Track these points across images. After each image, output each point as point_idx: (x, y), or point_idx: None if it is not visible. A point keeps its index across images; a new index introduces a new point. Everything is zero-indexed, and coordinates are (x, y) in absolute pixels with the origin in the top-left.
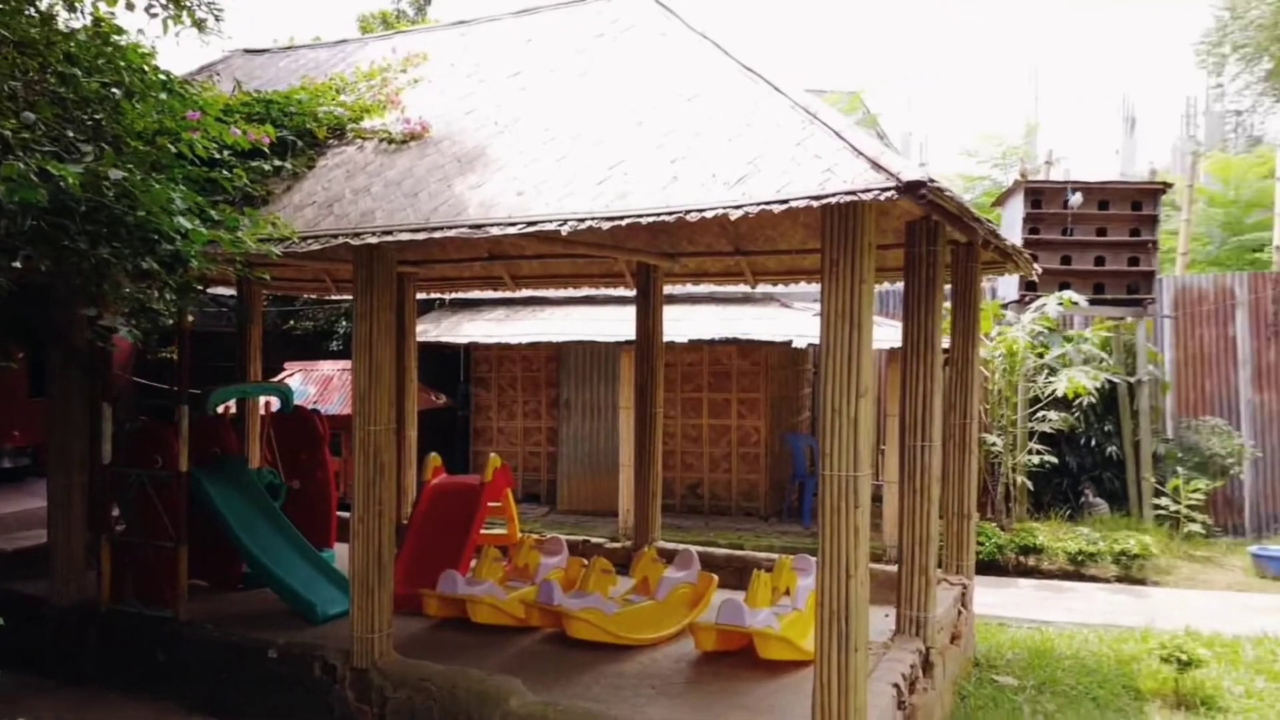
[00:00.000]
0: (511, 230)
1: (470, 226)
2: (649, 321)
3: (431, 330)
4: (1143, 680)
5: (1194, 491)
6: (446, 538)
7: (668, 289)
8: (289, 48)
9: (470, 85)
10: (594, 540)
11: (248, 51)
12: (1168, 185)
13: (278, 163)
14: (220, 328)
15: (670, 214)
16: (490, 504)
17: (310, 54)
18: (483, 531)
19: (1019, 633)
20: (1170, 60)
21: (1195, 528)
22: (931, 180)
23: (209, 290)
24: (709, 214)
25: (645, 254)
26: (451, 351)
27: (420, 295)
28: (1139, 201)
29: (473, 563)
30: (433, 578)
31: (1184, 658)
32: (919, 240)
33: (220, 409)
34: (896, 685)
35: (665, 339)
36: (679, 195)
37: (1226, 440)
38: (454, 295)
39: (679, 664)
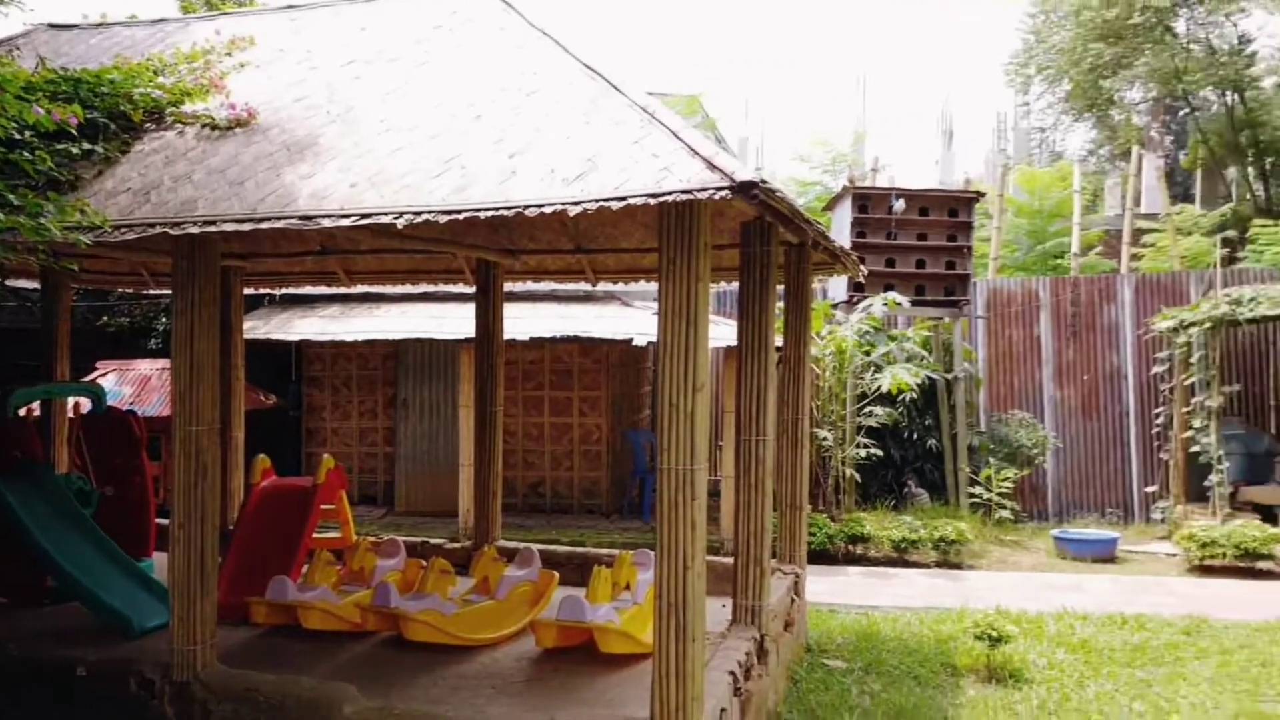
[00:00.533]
0: (344, 223)
1: (300, 218)
2: (489, 319)
3: (260, 327)
4: (959, 657)
5: (1004, 480)
6: (276, 543)
7: (509, 286)
8: (101, 24)
9: (301, 72)
10: (433, 541)
11: (53, 26)
12: (981, 194)
13: (87, 146)
14: (25, 324)
15: (509, 209)
16: (323, 506)
17: (125, 32)
18: (315, 535)
19: (848, 618)
20: (984, 77)
21: (1005, 514)
22: (764, 181)
23: (7, 283)
24: (548, 210)
25: (485, 250)
26: (282, 349)
27: (248, 290)
28: (955, 209)
29: (304, 568)
30: (262, 585)
31: (995, 635)
32: (753, 241)
33: (22, 411)
34: (733, 673)
35: (506, 337)
36: (518, 190)
37: (1032, 432)
38: (285, 290)
39: (520, 662)
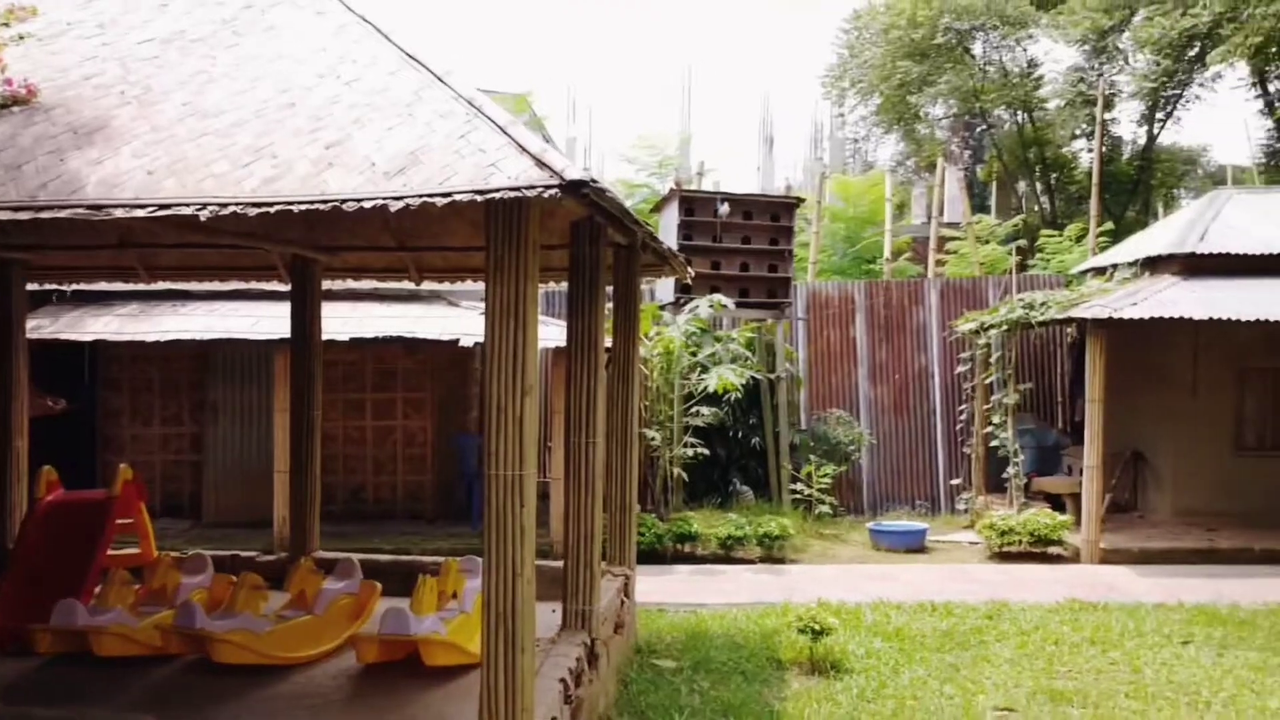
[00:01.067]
0: (140, 213)
1: (88, 207)
2: (306, 319)
3: (47, 326)
4: (784, 651)
5: (824, 477)
6: (64, 562)
7: (328, 284)
8: None
9: (92, 48)
10: (244, 554)
11: None
12: (800, 200)
13: None
14: None
15: (325, 203)
16: (119, 520)
17: None
18: (111, 552)
19: (677, 617)
20: (802, 87)
21: (825, 509)
22: (594, 181)
23: None
24: (367, 205)
25: (300, 246)
26: (74, 350)
27: (32, 286)
28: (777, 213)
29: (98, 589)
30: (47, 609)
31: (817, 628)
32: (583, 241)
33: None
34: (563, 680)
35: (325, 337)
36: (335, 184)
37: (849, 430)
38: (77, 286)
39: (338, 680)
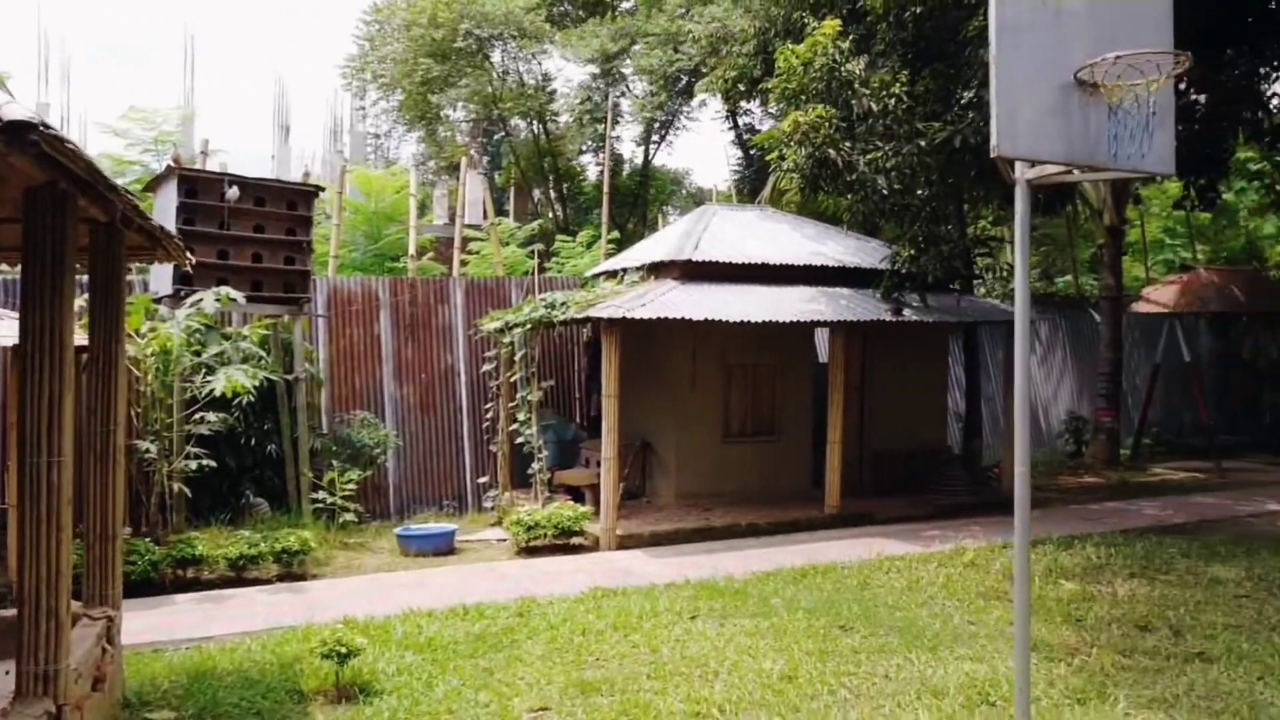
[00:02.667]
0: None
1: None
2: None
3: None
4: (306, 680)
5: (348, 483)
6: None
7: None
8: None
9: None
10: None
11: None
12: (321, 189)
13: None
14: None
15: None
16: None
17: None
18: None
19: (177, 656)
20: (321, 76)
21: (349, 517)
22: (47, 126)
23: None
24: None
25: None
26: None
27: None
28: (295, 202)
29: None
30: None
31: (342, 650)
32: (43, 213)
33: None
34: None
35: None
36: None
37: (374, 431)
38: None
39: None
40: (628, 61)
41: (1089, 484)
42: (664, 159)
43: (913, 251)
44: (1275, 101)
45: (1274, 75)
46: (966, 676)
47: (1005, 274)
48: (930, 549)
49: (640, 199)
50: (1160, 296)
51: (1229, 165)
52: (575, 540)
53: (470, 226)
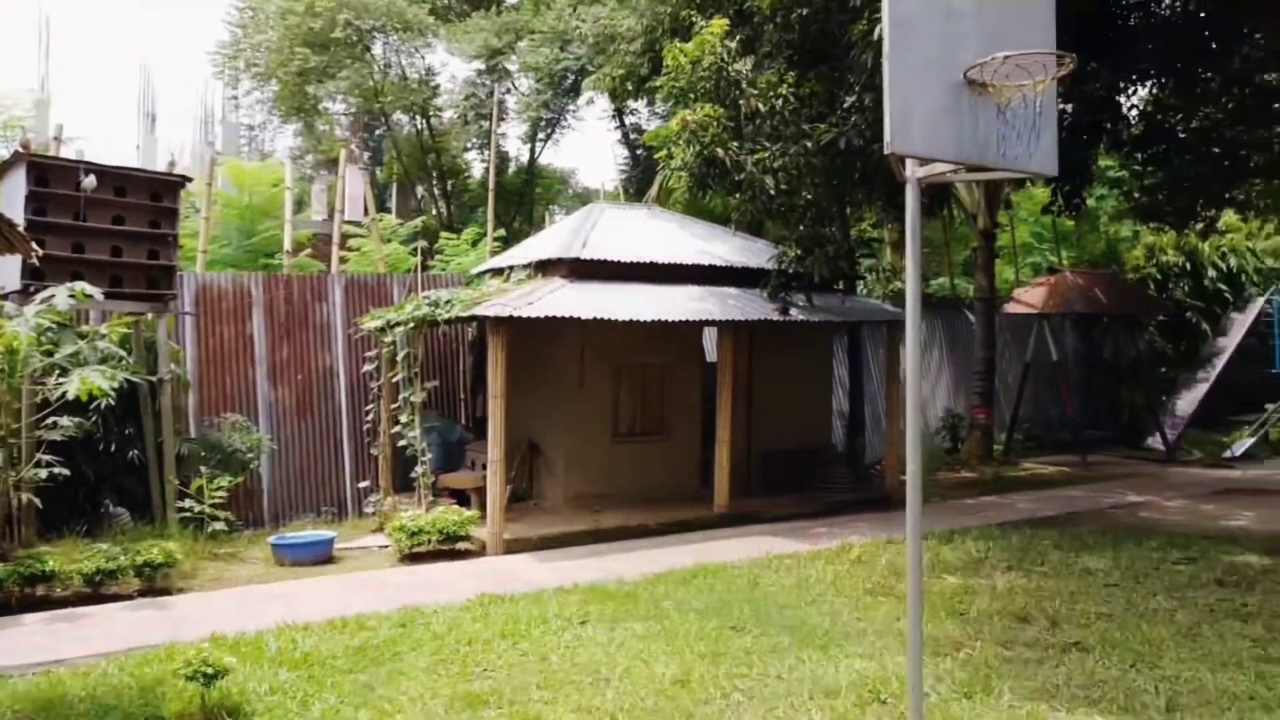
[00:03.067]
0: None
1: None
2: None
3: None
4: (169, 704)
5: (217, 490)
6: None
7: None
8: None
9: None
10: None
11: None
12: (188, 179)
13: None
14: None
15: None
16: None
17: None
18: None
19: (23, 684)
20: (191, 63)
21: (219, 526)
22: None
23: None
24: None
25: None
26: None
27: None
28: (159, 193)
29: None
30: None
31: (209, 670)
32: None
33: None
34: None
35: None
36: None
37: (247, 435)
38: None
39: None
40: (514, 58)
41: (966, 479)
42: (550, 158)
43: (799, 252)
44: (1134, 113)
45: (1131, 89)
46: (858, 675)
47: (888, 275)
48: (818, 546)
49: (526, 197)
50: (1029, 298)
51: (1092, 172)
52: (461, 546)
53: (350, 223)
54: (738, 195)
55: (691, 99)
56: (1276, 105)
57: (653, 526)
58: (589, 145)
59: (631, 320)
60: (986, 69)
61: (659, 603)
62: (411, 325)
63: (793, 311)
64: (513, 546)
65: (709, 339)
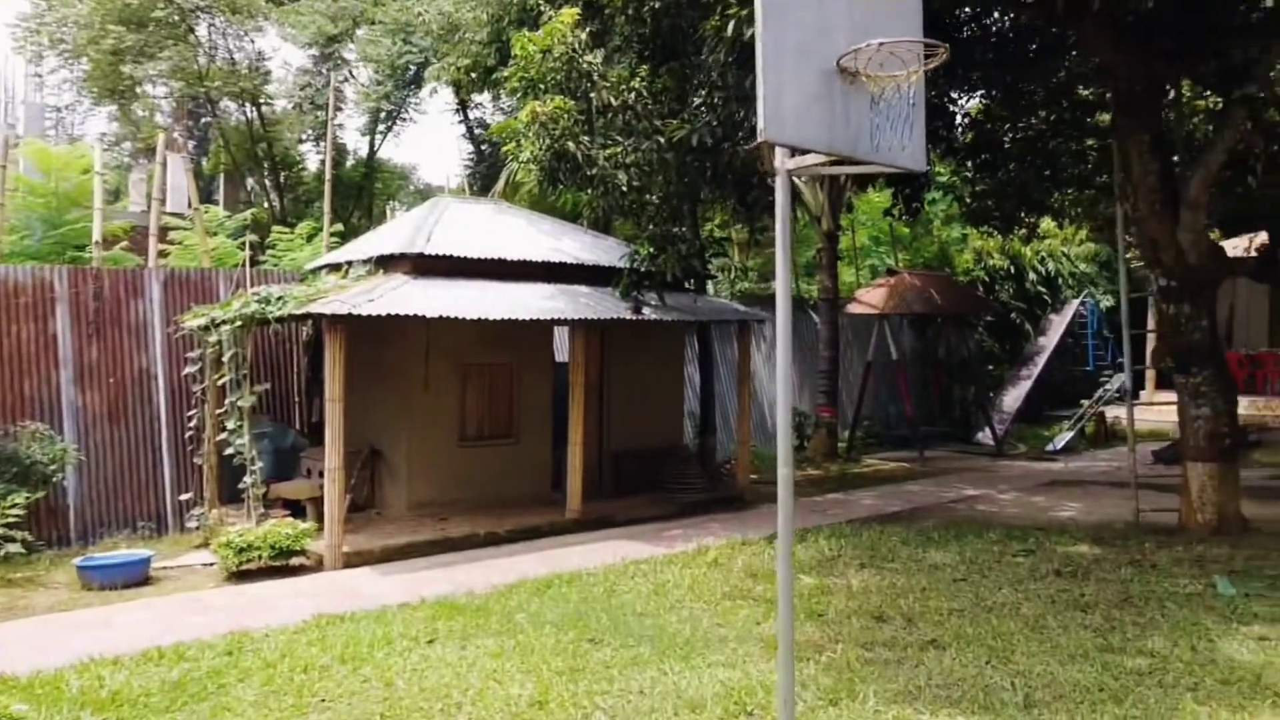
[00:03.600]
0: None
1: None
2: None
3: None
4: None
5: (12, 507)
6: None
7: None
8: None
9: None
10: None
11: None
12: None
13: None
14: None
15: None
16: None
17: None
18: None
19: None
20: None
21: (15, 548)
22: None
23: None
24: None
25: None
26: None
27: None
28: None
29: None
30: None
31: None
32: None
33: None
34: None
35: None
36: None
37: (49, 446)
38: None
39: None
40: (351, 46)
41: (813, 477)
42: (392, 153)
43: (652, 250)
44: (965, 121)
45: (963, 98)
46: (722, 685)
47: (738, 274)
48: (674, 549)
49: (365, 191)
50: (870, 298)
51: (930, 177)
52: (296, 561)
53: (173, 215)
54: (589, 191)
55: (541, 90)
56: (1089, 120)
57: (503, 534)
58: (432, 140)
59: (479, 319)
60: (860, 56)
61: (512, 616)
62: (239, 324)
63: (645, 310)
64: (353, 560)
65: (560, 338)
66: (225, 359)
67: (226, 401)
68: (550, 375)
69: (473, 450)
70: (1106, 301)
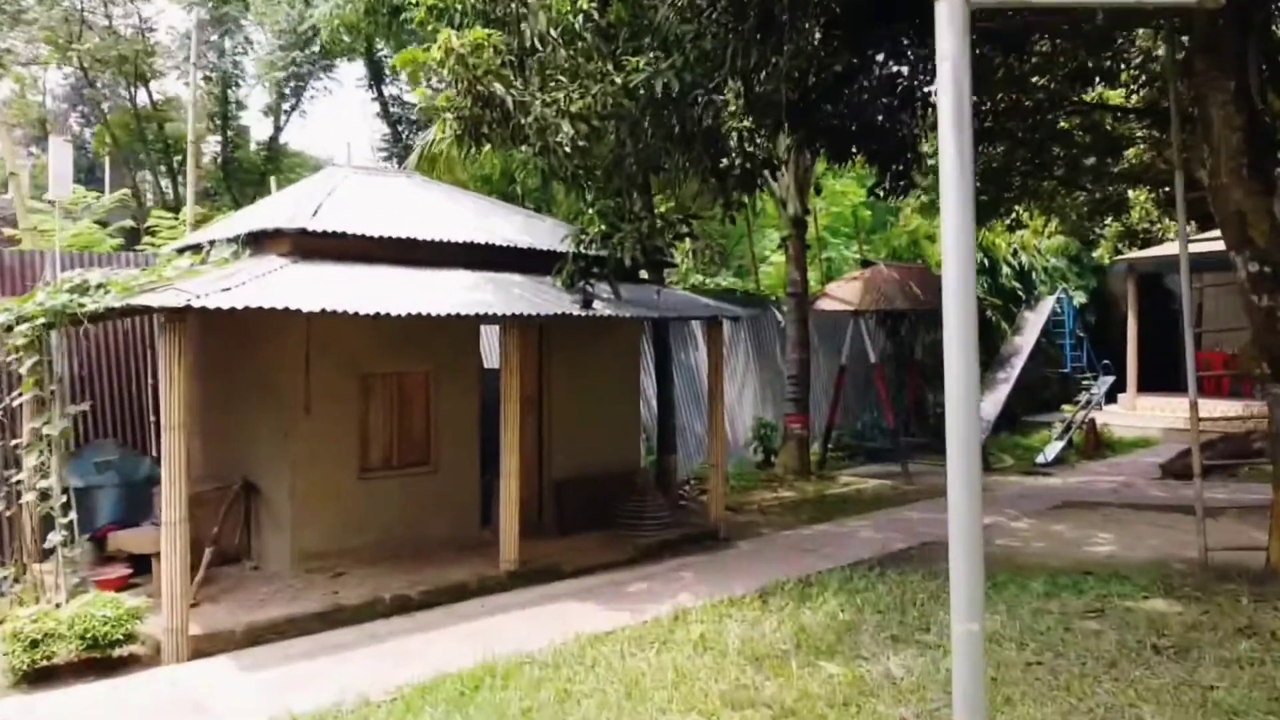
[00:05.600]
0: None
1: None
2: None
3: None
4: None
5: None
6: None
7: None
8: None
9: None
10: None
11: None
12: None
13: None
14: None
15: None
16: None
17: None
18: None
19: None
20: None
21: None
22: None
23: None
24: None
25: None
26: None
27: None
28: None
29: None
30: None
31: None
32: None
33: None
34: None
35: None
36: None
37: None
38: None
39: None
40: (248, 15)
41: (787, 499)
42: (303, 143)
43: (603, 228)
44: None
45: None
46: None
47: (706, 260)
48: (643, 616)
49: (268, 176)
50: (843, 293)
51: (921, 152)
52: (121, 652)
53: (48, 202)
54: (524, 149)
55: (458, 17)
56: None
57: (416, 597)
58: (345, 127)
59: (379, 315)
60: None
61: None
62: (42, 321)
63: (596, 304)
64: (204, 647)
65: (489, 339)
66: (24, 370)
67: (27, 427)
68: (477, 387)
69: (377, 483)
70: (1079, 298)
